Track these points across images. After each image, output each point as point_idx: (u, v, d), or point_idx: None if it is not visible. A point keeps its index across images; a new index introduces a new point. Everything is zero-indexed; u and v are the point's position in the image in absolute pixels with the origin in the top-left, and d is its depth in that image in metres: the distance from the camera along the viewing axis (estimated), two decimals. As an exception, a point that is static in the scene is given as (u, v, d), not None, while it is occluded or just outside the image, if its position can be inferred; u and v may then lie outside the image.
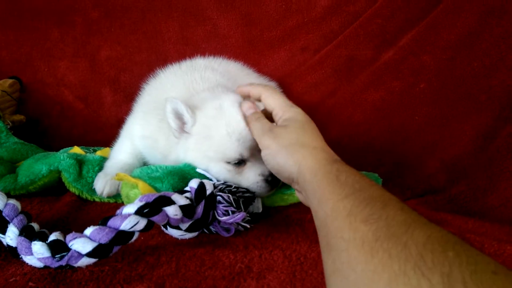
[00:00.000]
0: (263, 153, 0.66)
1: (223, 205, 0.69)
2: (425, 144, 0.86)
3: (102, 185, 0.87)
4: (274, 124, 0.68)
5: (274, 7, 1.28)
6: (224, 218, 0.68)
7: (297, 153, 0.59)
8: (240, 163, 0.78)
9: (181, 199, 0.65)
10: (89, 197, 0.90)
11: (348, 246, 0.41)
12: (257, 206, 0.81)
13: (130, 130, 1.01)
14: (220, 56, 1.20)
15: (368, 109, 1.08)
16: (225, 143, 0.76)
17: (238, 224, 0.71)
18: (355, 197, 0.46)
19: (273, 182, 0.78)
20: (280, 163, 0.61)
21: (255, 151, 0.77)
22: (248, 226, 0.72)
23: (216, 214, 0.69)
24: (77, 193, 0.90)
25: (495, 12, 0.87)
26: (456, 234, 0.54)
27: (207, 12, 1.32)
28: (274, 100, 0.69)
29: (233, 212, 0.69)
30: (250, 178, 0.79)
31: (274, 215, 0.83)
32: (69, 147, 1.08)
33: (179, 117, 0.79)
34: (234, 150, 0.76)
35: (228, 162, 0.78)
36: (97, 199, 0.90)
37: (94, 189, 0.89)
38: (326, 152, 0.59)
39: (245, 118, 0.75)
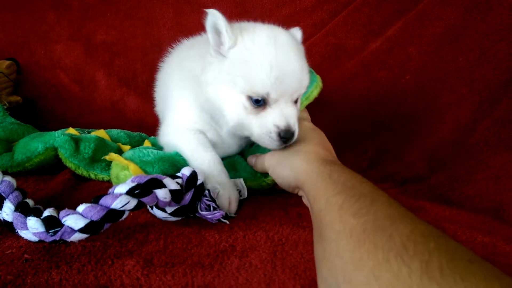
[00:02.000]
0: (269, 173, 0.74)
1: (206, 198, 0.72)
2: (408, 134, 0.90)
3: (227, 202, 0.76)
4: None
5: (268, -6, 1.30)
6: (204, 212, 0.71)
7: (292, 161, 0.65)
8: (260, 103, 0.73)
9: (172, 184, 0.68)
10: (85, 173, 0.92)
11: (338, 237, 0.45)
12: (243, 193, 0.85)
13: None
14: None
15: (354, 98, 1.12)
16: (261, 74, 0.71)
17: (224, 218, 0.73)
18: (346, 193, 0.50)
19: (285, 139, 0.73)
20: (281, 175, 0.68)
21: (282, 101, 0.73)
22: (227, 222, 0.72)
23: (199, 206, 0.72)
24: (73, 168, 0.92)
25: (480, 7, 0.90)
26: (432, 222, 0.57)
27: None
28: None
29: (214, 208, 0.72)
30: (264, 124, 0.74)
31: (260, 199, 0.86)
32: (64, 129, 1.11)
33: (218, 34, 0.74)
34: (265, 85, 0.71)
35: (250, 97, 0.73)
36: (92, 176, 0.92)
37: (91, 164, 0.92)
38: (318, 154, 0.64)
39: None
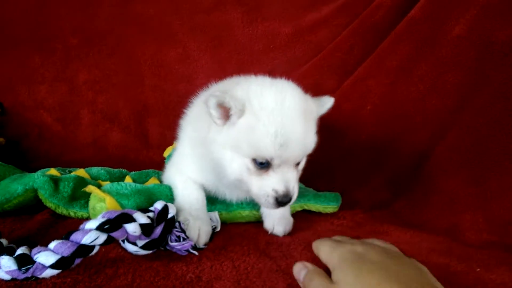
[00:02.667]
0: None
1: (176, 230, 0.76)
2: (371, 161, 0.95)
3: (196, 233, 0.79)
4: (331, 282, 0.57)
5: (242, 32, 1.39)
6: (174, 244, 0.74)
7: None
8: (264, 166, 0.75)
9: (142, 218, 0.71)
10: (65, 212, 0.94)
11: None
12: (217, 225, 0.88)
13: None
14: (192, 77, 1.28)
15: (323, 130, 1.18)
16: (266, 140, 0.72)
17: (193, 249, 0.76)
18: None
19: (282, 203, 0.75)
20: None
21: (285, 164, 0.75)
22: (196, 253, 0.75)
23: (169, 238, 0.75)
24: (53, 207, 0.94)
25: (429, 42, 0.98)
26: (394, 244, 0.61)
27: (178, 35, 1.43)
28: (323, 252, 0.62)
29: (184, 239, 0.75)
30: (263, 187, 0.76)
31: (232, 229, 0.90)
32: (46, 169, 1.14)
33: (223, 107, 0.75)
34: (270, 151, 0.72)
35: (254, 160, 0.75)
36: (72, 214, 0.95)
37: (70, 203, 0.95)
38: None
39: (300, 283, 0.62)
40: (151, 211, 0.76)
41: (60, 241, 0.63)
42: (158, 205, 0.76)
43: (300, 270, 0.61)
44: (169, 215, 0.75)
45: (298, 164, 0.79)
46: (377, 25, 1.16)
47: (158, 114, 1.47)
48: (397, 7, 1.11)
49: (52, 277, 0.62)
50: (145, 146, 1.46)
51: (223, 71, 1.34)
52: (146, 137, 1.47)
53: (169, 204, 0.77)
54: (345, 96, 1.16)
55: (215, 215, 0.88)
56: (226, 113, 0.75)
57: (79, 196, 0.97)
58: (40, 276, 0.61)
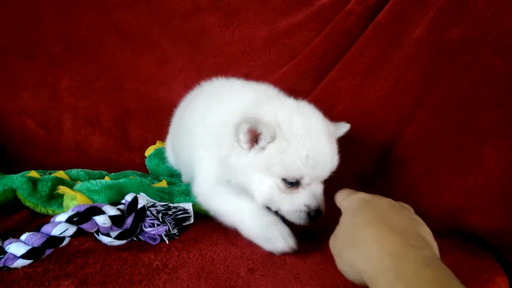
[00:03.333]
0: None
1: (149, 218, 0.80)
2: (341, 157, 0.99)
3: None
4: None
5: (218, 36, 1.44)
6: (149, 229, 0.79)
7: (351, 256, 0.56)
8: (294, 184, 0.79)
9: (111, 210, 0.75)
10: (43, 210, 0.98)
11: None
12: (190, 218, 0.92)
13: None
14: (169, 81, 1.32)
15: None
16: (298, 162, 0.76)
17: (166, 235, 0.81)
18: None
19: (314, 217, 0.78)
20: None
21: (314, 182, 0.80)
22: (167, 241, 0.79)
23: (143, 225, 0.80)
24: (32, 206, 0.98)
25: (394, 44, 1.03)
26: None
27: (156, 41, 1.49)
28: (338, 199, 0.72)
29: (158, 225, 0.80)
30: (295, 203, 0.78)
31: (206, 222, 0.93)
32: (26, 171, 1.18)
33: (252, 133, 0.78)
34: (302, 171, 0.77)
35: (284, 180, 0.78)
36: (50, 212, 0.97)
37: (48, 201, 0.98)
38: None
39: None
40: (122, 203, 0.79)
41: (31, 233, 0.67)
42: (128, 197, 0.80)
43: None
44: (139, 206, 0.79)
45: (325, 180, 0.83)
46: (349, 30, 1.22)
47: (139, 117, 1.51)
48: (367, 13, 1.17)
49: (23, 267, 0.66)
50: (127, 149, 1.50)
51: (200, 75, 1.39)
52: (127, 140, 1.51)
53: (140, 195, 0.81)
54: (318, 97, 1.21)
55: (189, 206, 0.92)
56: (254, 138, 0.79)
57: (57, 195, 1.01)
58: (12, 266, 0.65)
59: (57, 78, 1.54)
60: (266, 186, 0.79)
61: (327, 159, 0.79)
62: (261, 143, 0.78)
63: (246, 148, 0.80)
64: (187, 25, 1.47)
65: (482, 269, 0.72)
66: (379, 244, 0.52)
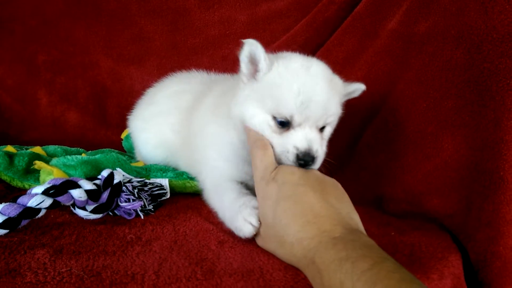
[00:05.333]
0: (263, 203, 0.69)
1: (125, 193, 0.83)
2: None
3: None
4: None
5: (199, 16, 1.45)
6: (124, 204, 0.81)
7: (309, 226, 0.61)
8: (284, 124, 0.75)
9: (87, 184, 0.77)
10: (20, 184, 0.99)
11: None
12: (166, 193, 0.95)
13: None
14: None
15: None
16: (288, 97, 0.73)
17: (141, 210, 0.84)
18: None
19: (304, 162, 0.72)
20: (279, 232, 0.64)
21: (306, 125, 0.75)
22: (142, 215, 0.82)
23: (119, 200, 0.82)
24: (8, 180, 0.99)
25: (371, 35, 1.07)
26: None
27: (135, 18, 1.49)
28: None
29: (133, 200, 0.82)
30: (284, 144, 0.74)
31: (181, 200, 0.96)
32: (3, 146, 1.17)
33: (253, 62, 0.77)
34: (291, 108, 0.73)
35: (275, 118, 0.75)
36: (27, 186, 0.98)
37: (25, 175, 0.99)
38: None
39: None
40: (98, 179, 0.81)
41: (8, 203, 0.68)
42: (105, 172, 0.82)
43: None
44: (115, 181, 0.81)
45: (322, 129, 0.79)
46: (329, 20, 1.25)
47: (116, 95, 1.51)
48: (347, 4, 1.20)
49: (0, 236, 0.68)
50: (104, 126, 1.51)
51: (178, 54, 1.40)
52: (104, 116, 1.52)
53: (116, 171, 0.83)
54: None
55: (166, 182, 0.95)
56: (254, 71, 0.78)
57: (33, 170, 1.02)
58: (-12, 235, 0.67)
59: (34, 52, 1.52)
60: (257, 121, 0.77)
61: (320, 99, 0.74)
62: (258, 75, 0.77)
63: (245, 82, 0.80)
64: (167, 4, 1.47)
65: (438, 249, 0.77)
66: (300, 244, 0.60)
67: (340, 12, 1.22)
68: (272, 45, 1.35)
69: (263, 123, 0.76)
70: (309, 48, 1.29)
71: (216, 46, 1.44)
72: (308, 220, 0.62)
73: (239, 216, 0.72)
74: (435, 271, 0.67)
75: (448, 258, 0.74)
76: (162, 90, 1.20)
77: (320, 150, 0.75)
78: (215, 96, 0.98)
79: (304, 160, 0.72)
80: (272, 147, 0.75)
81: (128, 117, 1.25)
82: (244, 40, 0.76)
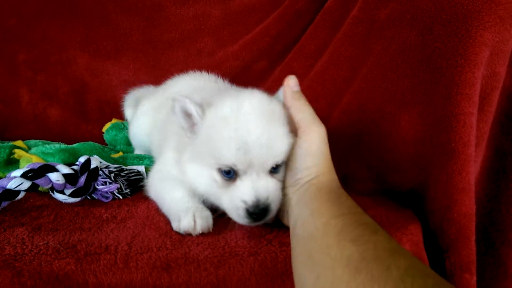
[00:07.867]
0: (311, 136, 0.69)
1: (102, 177, 0.86)
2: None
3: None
4: None
5: (174, 12, 1.50)
6: (101, 187, 0.85)
7: (326, 161, 0.66)
8: (231, 175, 0.68)
9: (64, 169, 0.81)
10: (1, 175, 1.01)
11: (334, 264, 0.43)
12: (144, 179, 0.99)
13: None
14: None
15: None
16: (222, 146, 0.67)
17: (119, 193, 0.88)
18: (349, 217, 0.49)
19: (257, 216, 0.66)
20: (315, 152, 0.67)
21: (252, 172, 0.67)
22: (120, 197, 0.87)
23: (96, 184, 0.86)
24: None
25: (338, 27, 1.12)
26: None
27: (112, 15, 1.53)
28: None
29: (110, 183, 0.86)
30: (232, 200, 0.68)
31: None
32: (-14, 141, 1.20)
33: (188, 116, 0.72)
34: (228, 157, 0.66)
35: (220, 170, 0.69)
36: None
37: (6, 166, 1.01)
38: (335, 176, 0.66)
39: (289, 94, 0.72)
40: (76, 164, 0.85)
41: (-13, 186, 0.72)
42: (82, 159, 0.86)
43: (296, 85, 0.74)
44: (92, 166, 0.85)
45: (274, 172, 0.69)
46: (300, 13, 1.30)
47: (95, 90, 1.55)
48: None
49: (-21, 217, 0.71)
50: (84, 121, 1.54)
51: (153, 49, 1.45)
52: (85, 112, 1.55)
53: (93, 157, 0.87)
54: (276, 79, 1.31)
55: (142, 169, 0.99)
56: (192, 125, 0.73)
57: (14, 160, 1.05)
58: (-32, 216, 0.70)
59: (14, 52, 1.55)
60: (203, 180, 0.72)
61: (257, 139, 0.65)
62: (196, 128, 0.72)
63: (189, 138, 0.74)
64: (142, 1, 1.52)
65: (398, 220, 0.82)
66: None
67: (310, 5, 1.28)
68: (246, 37, 1.40)
69: (208, 180, 0.71)
70: (282, 41, 1.35)
71: (192, 40, 1.49)
72: None
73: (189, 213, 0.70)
74: (393, 238, 0.72)
75: (407, 227, 0.79)
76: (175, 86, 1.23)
77: (273, 196, 0.67)
78: None
79: (256, 214, 0.65)
80: (222, 202, 0.70)
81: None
82: (173, 98, 0.73)
